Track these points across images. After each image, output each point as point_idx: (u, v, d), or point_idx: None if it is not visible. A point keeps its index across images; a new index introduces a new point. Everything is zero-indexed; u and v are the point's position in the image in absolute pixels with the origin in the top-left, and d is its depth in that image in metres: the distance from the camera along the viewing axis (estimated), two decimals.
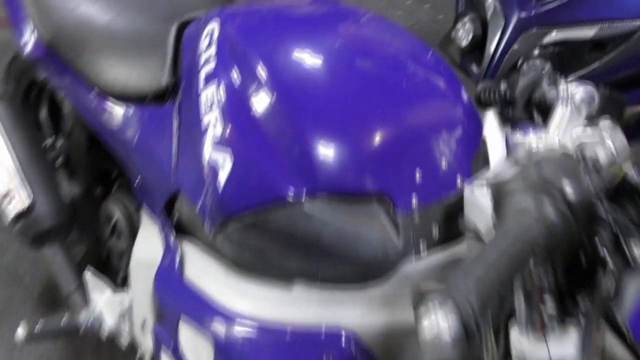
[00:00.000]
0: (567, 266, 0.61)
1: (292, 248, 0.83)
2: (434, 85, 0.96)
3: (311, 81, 0.89)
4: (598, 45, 1.49)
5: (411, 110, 0.89)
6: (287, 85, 0.88)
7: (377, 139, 0.84)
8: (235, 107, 0.88)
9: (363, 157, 0.82)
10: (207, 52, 0.96)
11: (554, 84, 0.91)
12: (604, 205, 0.58)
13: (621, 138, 0.66)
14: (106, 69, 1.18)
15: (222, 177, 0.84)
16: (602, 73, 1.50)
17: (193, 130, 0.93)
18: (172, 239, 0.99)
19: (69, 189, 1.41)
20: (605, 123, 0.74)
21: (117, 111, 1.15)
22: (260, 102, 0.86)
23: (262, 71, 0.88)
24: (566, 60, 1.50)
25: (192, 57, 1.00)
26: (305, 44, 0.94)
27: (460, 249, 0.83)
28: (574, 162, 0.62)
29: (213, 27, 0.99)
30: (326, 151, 0.81)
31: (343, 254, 0.81)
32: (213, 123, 0.88)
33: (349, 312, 0.83)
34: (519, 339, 0.61)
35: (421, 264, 0.81)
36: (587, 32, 1.45)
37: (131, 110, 1.13)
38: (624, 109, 0.89)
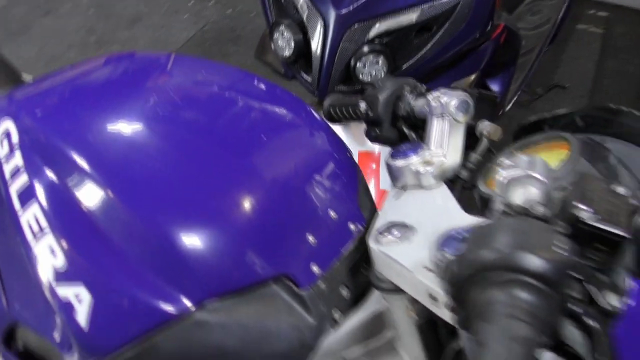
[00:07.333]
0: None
1: None
2: (288, 126, 0.84)
3: (144, 160, 0.73)
4: (424, 28, 1.47)
5: (275, 169, 0.76)
6: (120, 177, 0.71)
7: (249, 216, 0.71)
8: (72, 227, 0.69)
9: (241, 243, 0.69)
10: (11, 163, 0.76)
11: (420, 94, 0.84)
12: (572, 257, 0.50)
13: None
14: None
15: (82, 313, 0.66)
16: (433, 55, 1.49)
17: (20, 261, 0.73)
18: None
19: None
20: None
21: None
22: (99, 209, 0.68)
23: (86, 166, 0.71)
24: (397, 49, 1.46)
25: None
26: (121, 115, 0.77)
27: (374, 304, 0.75)
28: (526, 223, 0.53)
29: (7, 128, 0.78)
30: (198, 250, 0.67)
31: (255, 356, 0.69)
32: (49, 252, 0.69)
33: None
34: None
35: (341, 332, 0.72)
36: (410, 17, 1.42)
37: None
38: (496, 105, 0.85)
